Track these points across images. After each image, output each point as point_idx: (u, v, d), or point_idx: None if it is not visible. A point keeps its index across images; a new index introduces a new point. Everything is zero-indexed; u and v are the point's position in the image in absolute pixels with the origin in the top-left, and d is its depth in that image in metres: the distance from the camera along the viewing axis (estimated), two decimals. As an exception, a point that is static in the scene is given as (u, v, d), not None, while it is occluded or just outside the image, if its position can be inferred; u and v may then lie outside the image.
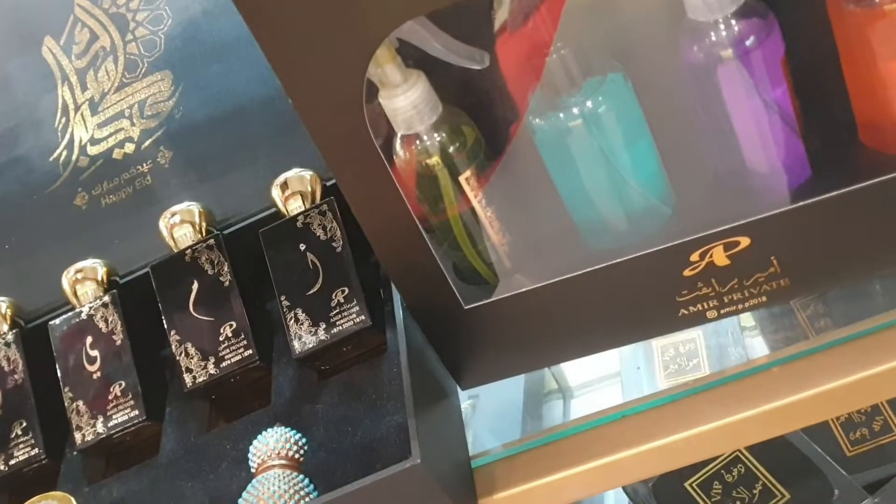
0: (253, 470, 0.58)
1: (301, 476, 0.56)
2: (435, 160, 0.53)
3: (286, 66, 0.47)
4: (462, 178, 0.53)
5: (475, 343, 0.57)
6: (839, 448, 0.80)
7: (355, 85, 0.47)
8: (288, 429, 0.59)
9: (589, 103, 0.50)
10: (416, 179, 0.54)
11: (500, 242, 0.55)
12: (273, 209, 0.70)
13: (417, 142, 0.53)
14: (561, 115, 0.50)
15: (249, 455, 0.59)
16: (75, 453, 0.70)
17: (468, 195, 0.53)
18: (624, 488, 0.74)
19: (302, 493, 0.54)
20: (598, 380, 0.96)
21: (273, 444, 0.58)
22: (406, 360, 0.53)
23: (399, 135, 0.53)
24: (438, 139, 0.52)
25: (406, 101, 0.51)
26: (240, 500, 0.55)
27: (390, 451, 0.55)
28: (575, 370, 0.96)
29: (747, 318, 0.82)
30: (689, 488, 0.70)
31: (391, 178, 0.51)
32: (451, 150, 0.53)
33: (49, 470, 0.69)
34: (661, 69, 0.51)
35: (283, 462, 0.57)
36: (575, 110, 0.50)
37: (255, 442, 0.59)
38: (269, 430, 0.59)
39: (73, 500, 0.57)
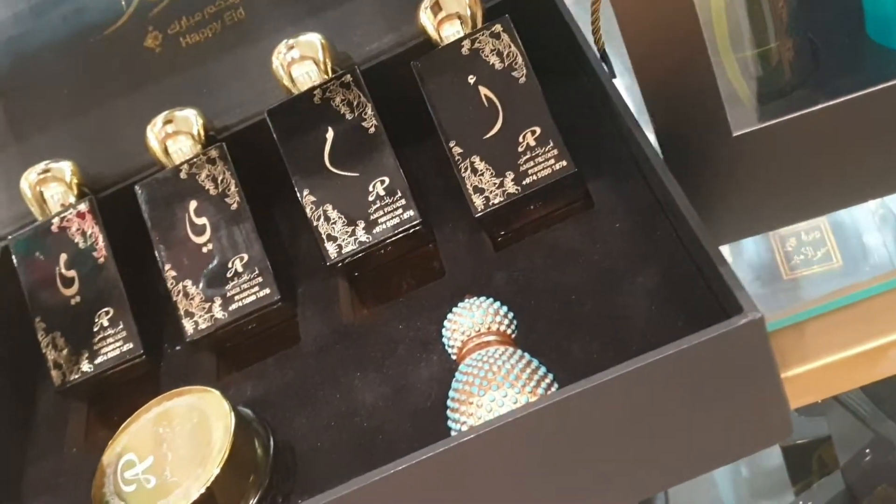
0: (453, 350, 0.45)
1: (528, 355, 0.43)
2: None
3: None
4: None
5: (738, 184, 0.44)
6: None
7: None
8: (490, 299, 0.46)
9: None
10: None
11: (787, 46, 0.42)
12: (417, 39, 0.56)
13: None
14: None
15: (446, 333, 0.45)
16: (178, 349, 0.56)
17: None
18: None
19: (539, 373, 0.42)
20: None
21: (480, 317, 0.45)
22: (678, 195, 0.40)
23: None
24: None
25: None
26: (455, 384, 0.42)
27: (645, 318, 0.42)
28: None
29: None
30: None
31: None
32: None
33: (143, 370, 0.54)
34: None
35: (496, 339, 0.44)
36: None
37: (451, 317, 0.45)
38: (466, 301, 0.46)
39: (218, 394, 0.44)
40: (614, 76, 0.53)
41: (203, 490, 0.40)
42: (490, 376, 0.40)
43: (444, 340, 0.45)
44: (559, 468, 0.37)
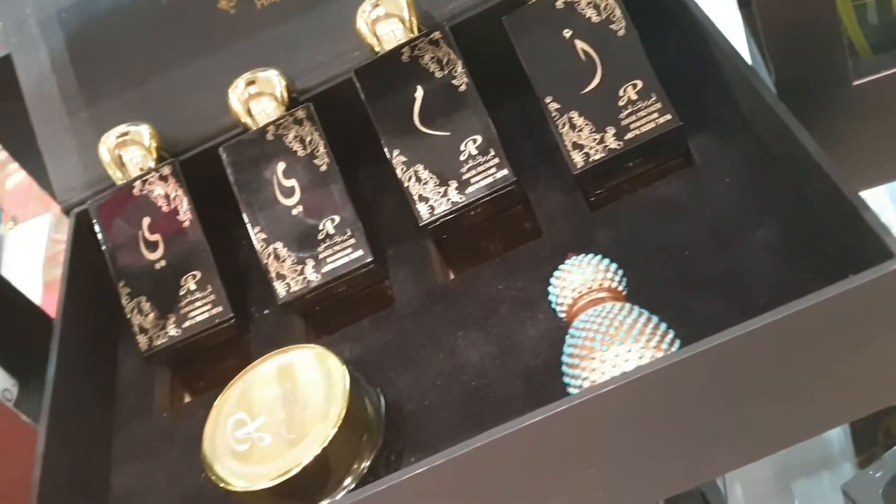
0: (562, 308, 0.44)
1: (647, 311, 0.42)
2: None
3: None
4: None
5: (854, 134, 0.43)
6: None
7: None
8: (599, 256, 0.45)
9: None
10: None
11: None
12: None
13: None
14: None
15: (554, 290, 0.44)
16: (265, 312, 0.55)
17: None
18: None
19: (661, 329, 0.41)
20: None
21: (591, 273, 0.44)
22: (807, 142, 0.39)
23: None
24: None
25: None
26: (572, 340, 0.41)
27: (768, 272, 0.41)
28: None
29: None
30: None
31: None
32: None
33: (229, 335, 0.53)
34: None
35: (609, 295, 0.43)
36: None
37: (559, 274, 0.44)
38: (575, 259, 0.45)
39: (329, 351, 0.43)
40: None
41: (319, 451, 0.39)
42: (612, 331, 0.39)
43: (552, 298, 0.44)
44: (693, 422, 0.36)
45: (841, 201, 0.36)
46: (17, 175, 0.99)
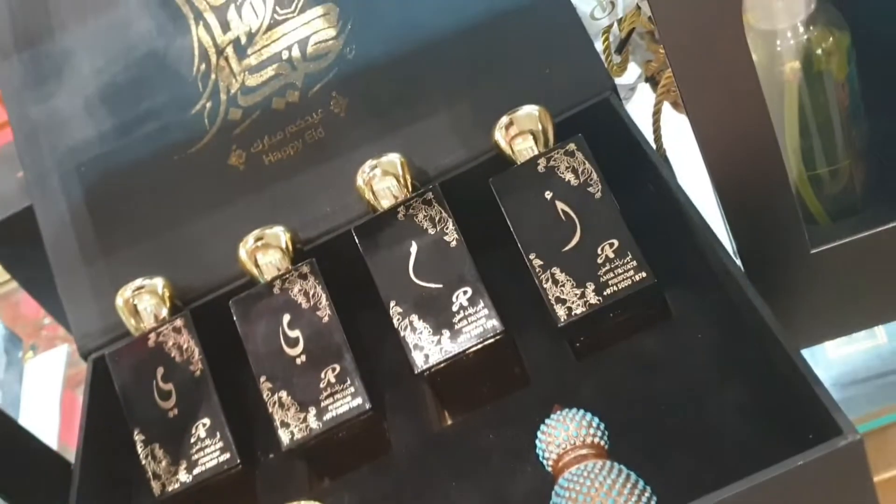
0: (548, 462, 0.47)
1: (626, 468, 0.44)
2: (792, 66, 0.43)
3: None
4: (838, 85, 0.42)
5: (813, 296, 0.46)
6: None
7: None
8: (581, 411, 0.48)
9: None
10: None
11: (857, 165, 0.45)
12: (489, 154, 0.59)
13: (778, 41, 0.42)
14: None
15: (540, 445, 0.47)
16: (270, 457, 0.58)
17: (836, 108, 0.43)
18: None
19: (639, 488, 0.43)
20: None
21: (574, 429, 0.46)
22: (769, 319, 0.42)
23: (751, 31, 0.42)
24: (805, 38, 0.42)
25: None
26: (557, 500, 0.43)
27: (737, 432, 0.44)
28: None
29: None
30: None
31: (755, 78, 0.40)
32: (818, 53, 0.42)
33: (238, 479, 0.56)
34: None
35: (591, 452, 0.46)
36: None
37: (545, 429, 0.47)
38: (559, 413, 0.48)
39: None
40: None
41: None
42: (593, 493, 0.42)
43: (539, 453, 0.47)
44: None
45: (798, 374, 0.39)
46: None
